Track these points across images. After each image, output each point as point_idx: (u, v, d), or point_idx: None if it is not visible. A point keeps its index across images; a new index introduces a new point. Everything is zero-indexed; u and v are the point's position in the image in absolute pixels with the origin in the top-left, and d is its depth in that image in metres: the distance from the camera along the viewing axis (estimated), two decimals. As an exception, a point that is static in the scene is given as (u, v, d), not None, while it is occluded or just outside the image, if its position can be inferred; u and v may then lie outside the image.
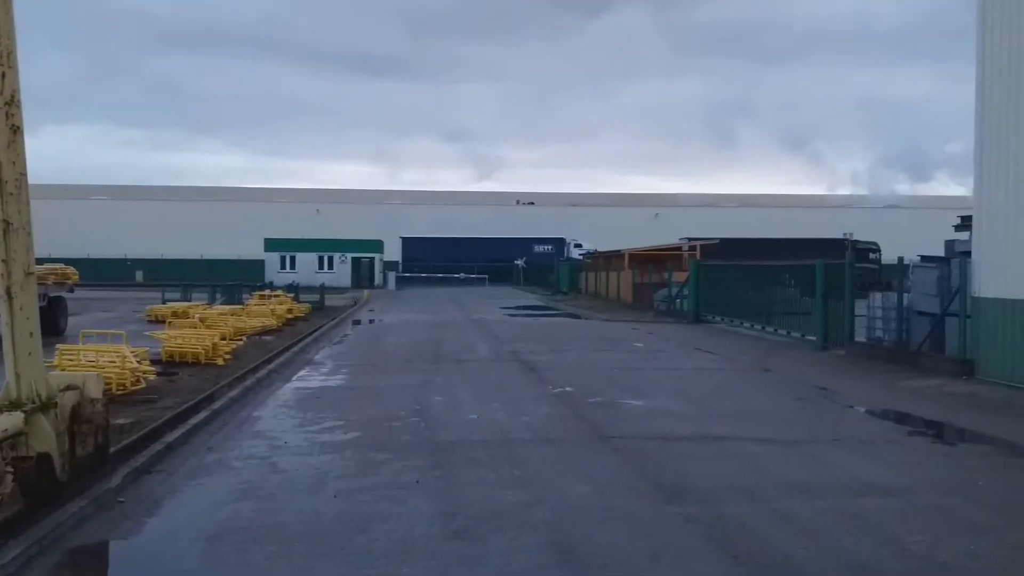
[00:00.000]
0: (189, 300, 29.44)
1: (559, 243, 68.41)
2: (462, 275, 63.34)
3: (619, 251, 42.19)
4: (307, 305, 29.18)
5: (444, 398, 11.51)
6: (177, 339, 14.98)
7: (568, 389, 12.36)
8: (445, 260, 65.11)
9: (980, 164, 13.56)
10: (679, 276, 30.25)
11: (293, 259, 58.51)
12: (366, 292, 44.16)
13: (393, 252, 65.13)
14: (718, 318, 25.44)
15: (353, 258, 59.61)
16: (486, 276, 62.22)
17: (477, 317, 28.81)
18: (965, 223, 15.50)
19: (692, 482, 7.15)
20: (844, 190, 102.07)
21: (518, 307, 35.83)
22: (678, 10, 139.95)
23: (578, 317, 30.10)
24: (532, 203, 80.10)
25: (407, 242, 67.56)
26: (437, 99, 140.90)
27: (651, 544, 5.59)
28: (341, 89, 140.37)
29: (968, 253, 14.21)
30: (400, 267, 64.74)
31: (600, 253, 48.78)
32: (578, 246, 64.37)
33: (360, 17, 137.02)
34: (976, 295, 13.38)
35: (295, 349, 17.67)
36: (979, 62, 13.53)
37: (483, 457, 8.02)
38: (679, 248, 39.56)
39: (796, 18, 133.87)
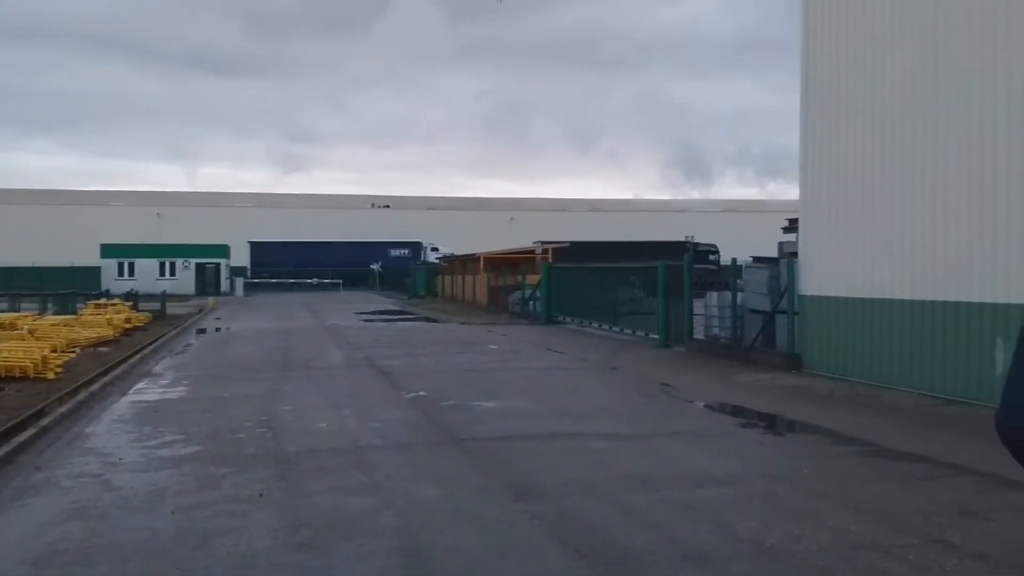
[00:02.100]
0: (18, 310, 27.45)
1: (416, 247, 68.14)
2: (315, 281, 62.01)
3: (475, 255, 42.51)
4: (147, 314, 27.82)
5: (292, 407, 11.26)
6: (3, 352, 13.97)
7: (422, 393, 12.34)
8: (297, 265, 63.58)
9: (805, 171, 14.49)
10: (532, 279, 30.81)
11: (132, 266, 55.56)
12: (211, 299, 42.52)
13: (241, 257, 62.97)
14: (569, 319, 26.05)
15: (197, 264, 57.22)
16: (340, 281, 61.16)
17: (330, 323, 28.31)
18: (792, 225, 16.53)
19: (539, 480, 7.29)
20: (685, 195, 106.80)
21: (373, 312, 35.46)
22: (524, 19, 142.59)
23: (434, 321, 30.10)
24: (388, 206, 79.44)
25: (256, 247, 65.52)
26: (284, 99, 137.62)
27: (498, 543, 5.67)
28: (181, 88, 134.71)
29: (795, 254, 15.17)
30: (248, 273, 62.67)
31: (457, 257, 48.98)
32: (435, 250, 64.34)
33: (198, 14, 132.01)
34: (802, 293, 14.29)
35: (133, 360, 16.81)
36: (803, 74, 14.47)
37: (331, 466, 7.90)
38: (532, 251, 40.29)
39: (634, 29, 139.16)
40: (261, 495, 6.91)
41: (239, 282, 56.65)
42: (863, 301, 12.71)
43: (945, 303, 10.97)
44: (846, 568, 5.14)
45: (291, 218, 71.11)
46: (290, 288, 59.82)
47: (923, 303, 11.36)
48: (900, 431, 9.40)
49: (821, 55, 13.97)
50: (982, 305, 10.23)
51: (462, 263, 44.38)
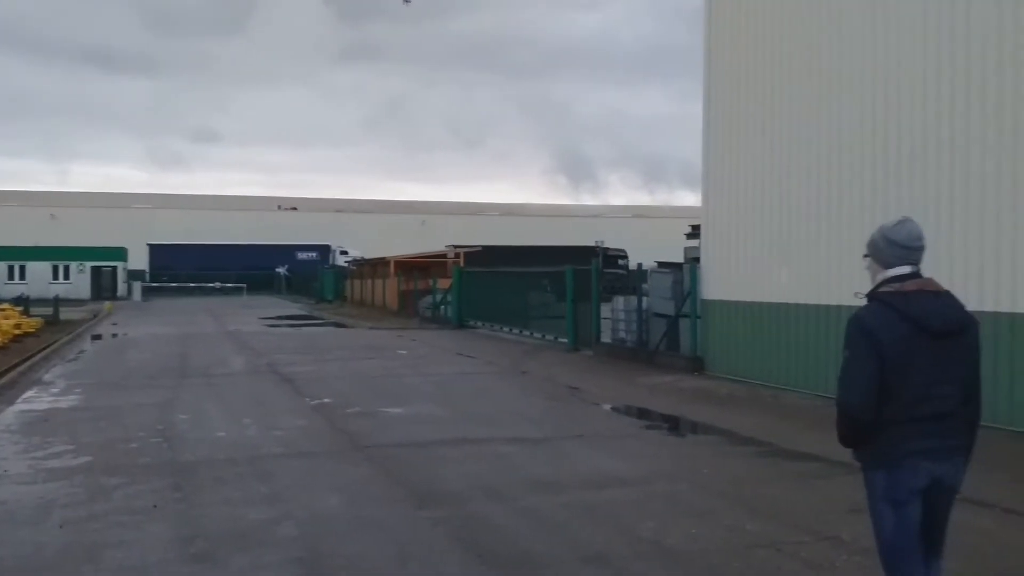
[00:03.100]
0: None
1: (324, 250, 67.04)
2: (218, 285, 60.38)
3: (385, 258, 42.10)
4: (39, 319, 26.55)
5: (190, 416, 10.91)
6: None
7: (326, 400, 12.14)
8: (199, 269, 61.74)
9: (707, 179, 14.87)
10: (444, 283, 30.70)
11: (23, 269, 53.08)
12: (107, 304, 40.98)
13: (139, 260, 60.84)
14: (480, 323, 26.06)
15: (93, 267, 55.08)
16: (244, 285, 59.69)
17: (233, 329, 27.60)
18: (696, 232, 16.94)
19: (444, 486, 7.26)
20: (596, 200, 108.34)
21: (279, 317, 34.74)
22: (433, 22, 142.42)
23: (342, 326, 29.66)
24: (295, 208, 77.96)
25: (155, 249, 63.41)
26: (186, 98, 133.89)
27: (399, 550, 5.60)
28: (76, 85, 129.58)
29: (699, 259, 15.54)
30: (147, 276, 60.59)
31: (367, 260, 48.42)
32: (344, 253, 63.43)
33: (95, 10, 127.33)
34: (704, 298, 14.64)
35: (22, 368, 16.05)
36: (705, 86, 14.85)
37: (229, 476, 7.69)
38: (444, 255, 40.15)
39: (544, 35, 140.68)
40: (155, 506, 6.67)
41: (137, 286, 54.66)
42: (762, 305, 13.10)
43: (840, 307, 11.38)
44: (740, 566, 5.26)
45: (193, 220, 69.04)
46: (191, 292, 58.10)
47: (818, 307, 11.77)
48: (796, 431, 9.69)
49: (722, 71, 14.35)
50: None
51: (372, 267, 43.89)
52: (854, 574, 5.01)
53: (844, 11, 11.54)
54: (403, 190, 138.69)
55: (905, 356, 3.34)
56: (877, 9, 10.95)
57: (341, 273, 52.42)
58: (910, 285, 3.47)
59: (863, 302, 3.53)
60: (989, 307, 9.01)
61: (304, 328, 29.12)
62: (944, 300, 3.48)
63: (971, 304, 4.02)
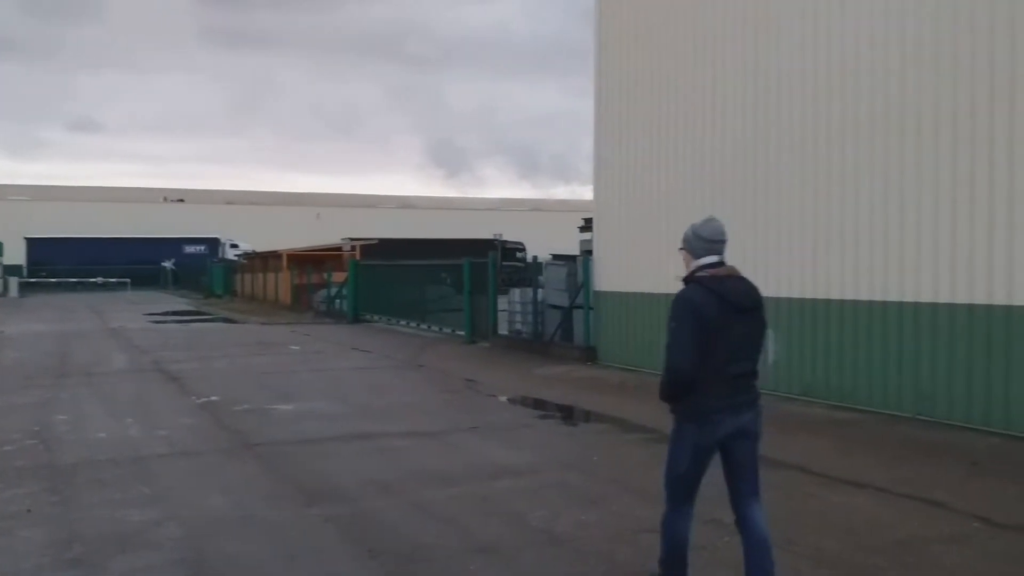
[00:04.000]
0: None
1: (213, 243, 65.04)
2: (100, 280, 57.79)
3: (277, 251, 41.16)
4: (-99, 318, 24.92)
5: (69, 417, 10.43)
6: None
7: (214, 398, 11.80)
8: (80, 263, 58.96)
9: (599, 174, 15.11)
10: (339, 276, 30.22)
11: None
12: (-18, 301, 38.70)
13: (16, 255, 57.68)
14: (377, 317, 25.81)
15: (-36, 263, 51.97)
16: (129, 280, 57.33)
17: (116, 326, 26.50)
18: (588, 224, 17.20)
19: (335, 482, 7.16)
20: (494, 193, 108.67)
21: (165, 313, 33.54)
22: (328, 10, 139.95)
23: (232, 321, 28.89)
24: (182, 200, 75.40)
25: (33, 243, 60.27)
26: (61, 85, 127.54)
27: (287, 548, 5.50)
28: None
29: (592, 252, 15.79)
30: (25, 272, 57.53)
31: (258, 254, 47.24)
32: (234, 246, 61.68)
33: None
34: (597, 289, 14.90)
35: None
36: (596, 81, 15.08)
37: (110, 477, 7.39)
38: (340, 248, 39.53)
39: (440, 26, 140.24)
40: (29, 511, 6.36)
41: (14, 282, 51.76)
42: (651, 296, 13.41)
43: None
44: (628, 551, 5.39)
45: (74, 213, 65.90)
46: (73, 288, 55.41)
47: (705, 297, 12.13)
48: (684, 418, 9.96)
49: (612, 66, 14.61)
50: (755, 298, 11.05)
51: (263, 260, 42.83)
52: (735, 553, 5.18)
53: (731, 9, 11.89)
54: (297, 182, 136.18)
55: (719, 327, 4.10)
56: (763, 9, 11.33)
57: (231, 267, 50.96)
58: (722, 271, 4.27)
59: (682, 285, 4.28)
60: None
61: (192, 324, 28.20)
62: (746, 283, 4.29)
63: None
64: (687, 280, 4.28)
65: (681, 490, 4.33)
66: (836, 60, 10.14)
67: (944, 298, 8.81)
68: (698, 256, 4.32)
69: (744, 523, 4.34)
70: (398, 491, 6.81)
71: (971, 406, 8.55)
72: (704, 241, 4.33)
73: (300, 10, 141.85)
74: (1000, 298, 8.28)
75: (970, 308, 8.55)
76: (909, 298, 9.19)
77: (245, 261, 49.07)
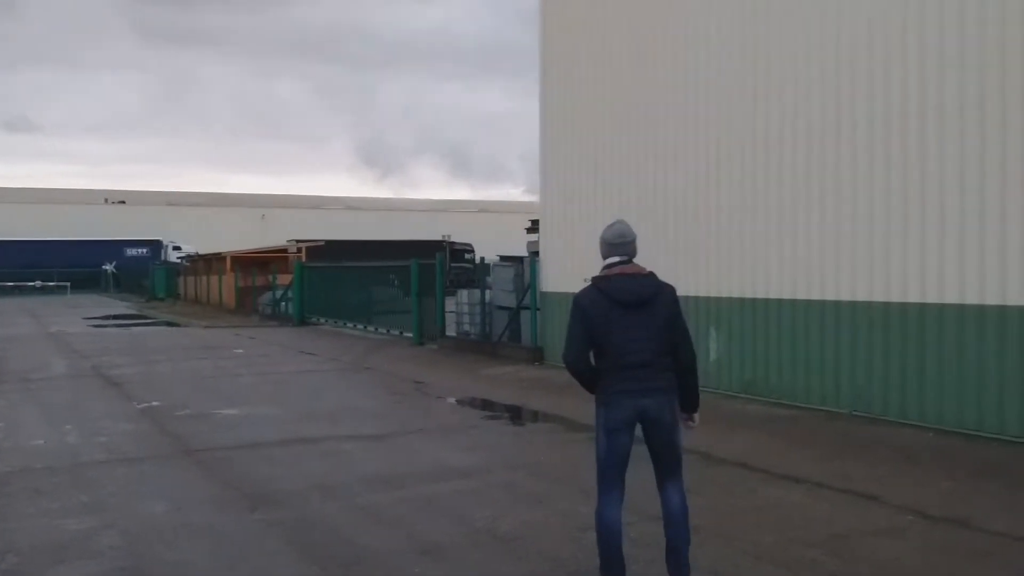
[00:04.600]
0: None
1: (156, 246, 63.81)
2: (38, 283, 56.30)
3: (221, 254, 40.56)
4: None
5: (5, 424, 10.16)
6: None
7: (155, 403, 11.60)
8: (16, 266, 57.32)
9: (545, 175, 15.19)
10: (285, 279, 29.90)
11: None
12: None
13: (-50, 259, 55.97)
14: (323, 320, 25.58)
15: None
16: (68, 284, 55.92)
17: (55, 330, 25.87)
18: (535, 226, 17.26)
19: (279, 487, 7.09)
20: (434, 194, 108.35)
21: (106, 317, 32.83)
22: (272, 11, 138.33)
23: (175, 325, 28.40)
24: (123, 202, 73.84)
25: (-32, 247, 58.52)
26: None
27: (228, 555, 5.44)
28: None
29: (538, 253, 15.86)
30: (-41, 276, 55.82)
31: (201, 256, 46.49)
32: (177, 249, 60.58)
33: None
34: (543, 290, 14.97)
35: None
36: (541, 84, 15.15)
37: (47, 486, 7.22)
38: (285, 250, 39.09)
39: (384, 27, 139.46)
40: (-41, 524, 6.18)
41: (-54, 286, 50.27)
42: (598, 296, 13.52)
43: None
44: (572, 548, 5.44)
45: (10, 215, 64.06)
46: (9, 292, 53.89)
47: (649, 297, 12.27)
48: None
49: (556, 68, 14.69)
50: (697, 299, 11.21)
51: (207, 263, 42.19)
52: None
53: (671, 12, 12.05)
54: (242, 183, 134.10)
55: (603, 322, 4.47)
56: (701, 14, 11.50)
57: (174, 270, 50.09)
58: (614, 271, 4.59)
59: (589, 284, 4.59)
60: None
61: (133, 328, 27.64)
62: (638, 280, 4.55)
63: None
64: (592, 280, 4.63)
65: (604, 473, 4.66)
66: (763, 71, 10.34)
67: (879, 297, 9.04)
68: (604, 258, 4.67)
69: (663, 502, 4.67)
70: (343, 495, 6.77)
71: (905, 402, 8.79)
72: (606, 244, 4.67)
73: (242, 9, 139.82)
74: (932, 297, 8.53)
75: (903, 307, 8.79)
76: (846, 297, 9.41)
77: (188, 264, 48.28)
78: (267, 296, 30.55)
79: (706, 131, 11.39)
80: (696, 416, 4.76)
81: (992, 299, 8.00)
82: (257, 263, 35.25)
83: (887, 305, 8.96)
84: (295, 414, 10.74)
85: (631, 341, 4.45)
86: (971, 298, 8.17)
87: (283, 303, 28.91)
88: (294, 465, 7.90)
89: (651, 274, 4.59)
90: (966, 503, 6.23)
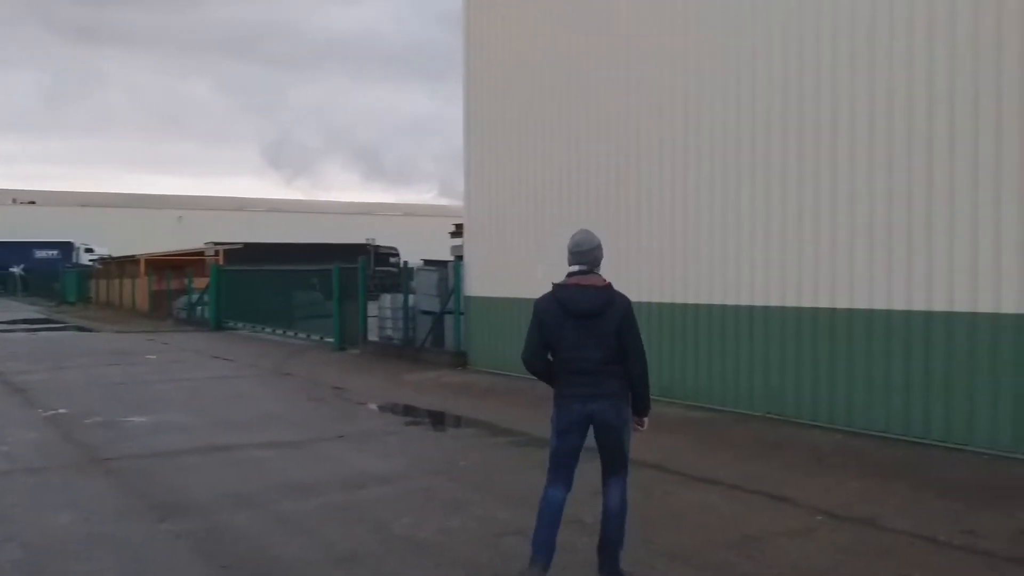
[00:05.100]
0: None
1: (67, 248, 61.53)
2: (-61, 287, 53.79)
3: (135, 256, 39.34)
4: None
5: None
6: None
7: (62, 411, 11.16)
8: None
9: (469, 179, 15.17)
10: (201, 282, 29.17)
11: None
12: None
13: None
14: (241, 324, 25.03)
15: None
16: (-27, 287, 53.59)
17: (-44, 334, 24.70)
18: (459, 229, 17.23)
19: (190, 496, 6.89)
20: (365, 197, 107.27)
21: (12, 321, 31.48)
22: (189, 8, 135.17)
23: (86, 330, 27.43)
24: (33, 202, 71.04)
25: None
26: None
27: (136, 567, 5.26)
28: None
29: (463, 257, 15.82)
30: None
31: (115, 259, 45.01)
32: (89, 251, 58.54)
33: None
34: (468, 294, 14.94)
35: None
36: (465, 87, 15.14)
37: (-60, 499, 6.87)
38: (202, 253, 38.16)
39: (308, 29, 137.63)
40: None
41: None
42: (520, 301, 13.53)
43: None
44: (490, 554, 5.42)
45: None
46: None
47: (571, 302, 12.36)
48: (548, 420, 10.09)
49: (480, 72, 14.70)
50: (618, 303, 11.33)
51: (120, 265, 40.83)
52: (593, 555, 5.30)
53: (593, 19, 12.18)
54: (158, 183, 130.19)
55: (556, 329, 4.75)
56: (624, 19, 11.65)
57: (86, 273, 48.34)
58: (571, 280, 4.80)
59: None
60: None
61: (41, 332, 26.60)
62: (591, 292, 4.75)
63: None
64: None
65: (553, 467, 4.90)
66: (680, 89, 10.54)
67: (791, 302, 9.29)
68: (569, 265, 4.87)
69: (604, 498, 4.92)
70: (257, 504, 6.61)
71: (817, 405, 9.04)
72: (568, 252, 4.88)
73: (159, 8, 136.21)
74: (842, 303, 8.80)
75: (814, 312, 9.05)
76: (759, 302, 9.64)
77: (101, 266, 46.66)
78: (183, 300, 29.78)
79: (626, 137, 11.54)
80: (645, 420, 4.98)
81: (899, 304, 8.29)
82: (172, 266, 34.27)
83: (799, 310, 9.21)
84: (209, 421, 10.47)
85: (581, 349, 4.70)
86: (879, 303, 8.46)
87: (199, 307, 28.19)
88: (207, 473, 7.70)
89: (607, 286, 4.77)
90: (873, 503, 6.44)
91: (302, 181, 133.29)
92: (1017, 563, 5.25)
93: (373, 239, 50.84)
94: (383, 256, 43.46)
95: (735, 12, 9.98)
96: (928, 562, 5.26)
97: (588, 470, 5.04)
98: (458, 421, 10.74)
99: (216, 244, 40.07)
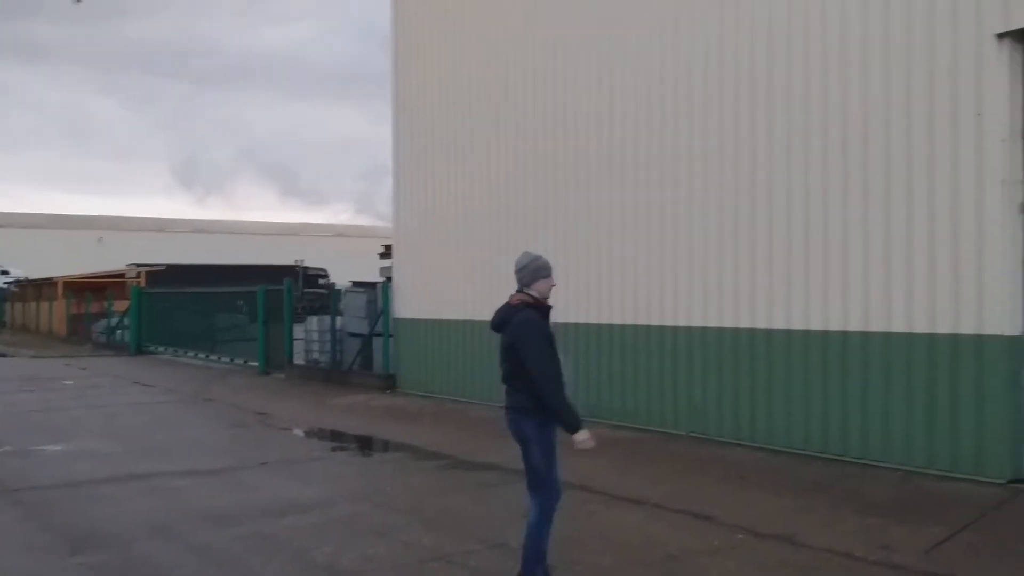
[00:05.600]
0: None
1: (-21, 271, 59.12)
2: None
3: (52, 279, 38.06)
4: None
5: None
6: None
7: (-31, 440, 10.68)
8: None
9: (398, 201, 15.11)
10: (122, 305, 28.36)
11: None
12: None
13: None
14: (163, 349, 24.41)
15: None
16: None
17: None
18: (389, 250, 17.12)
19: (105, 527, 6.66)
20: (297, 217, 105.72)
21: (-82, 347, 30.07)
22: (107, 24, 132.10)
23: (0, 355, 26.37)
24: (-59, 223, 68.12)
25: None
26: None
27: (42, 605, 5.05)
28: None
29: (392, 279, 15.71)
30: None
31: (31, 281, 43.47)
32: (4, 273, 56.33)
33: None
34: (397, 316, 14.84)
35: None
36: (394, 108, 15.11)
37: None
38: (123, 275, 37.09)
39: (229, 47, 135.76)
40: None
41: None
42: (451, 323, 13.52)
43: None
44: (413, 581, 5.35)
45: None
46: None
47: (500, 324, 12.37)
48: (479, 443, 10.07)
49: (409, 93, 14.70)
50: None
51: (37, 288, 39.49)
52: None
53: (519, 39, 12.30)
54: (77, 203, 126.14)
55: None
56: (551, 44, 11.79)
57: (0, 296, 46.55)
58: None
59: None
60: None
61: (-50, 359, 25.45)
62: (504, 308, 5.08)
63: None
64: None
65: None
66: (606, 118, 10.73)
67: (713, 323, 9.47)
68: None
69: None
70: (175, 534, 6.42)
71: (739, 423, 9.21)
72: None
73: (73, 21, 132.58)
74: (761, 323, 9.00)
75: (735, 332, 9.23)
76: (683, 322, 9.80)
77: (16, 289, 45.02)
78: (102, 324, 28.89)
79: (553, 159, 11.66)
80: (576, 437, 4.88)
81: (816, 325, 8.52)
82: (92, 289, 33.25)
83: (720, 331, 9.39)
84: (127, 449, 10.14)
85: (500, 363, 5.05)
86: (797, 324, 8.68)
87: (119, 331, 27.38)
88: (123, 504, 7.45)
89: (516, 303, 5.01)
90: (792, 520, 6.56)
91: (215, 200, 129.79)
92: (928, 576, 5.41)
93: (302, 260, 49.98)
94: (312, 277, 42.78)
95: (652, 52, 10.19)
96: (844, 577, 5.38)
97: (515, 491, 5.04)
98: (386, 445, 10.62)
99: (138, 266, 38.98)
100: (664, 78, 10.08)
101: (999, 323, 7.18)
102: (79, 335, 30.30)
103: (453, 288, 13.45)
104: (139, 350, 24.96)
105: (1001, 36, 7.15)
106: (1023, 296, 7.20)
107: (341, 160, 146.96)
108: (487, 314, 5.48)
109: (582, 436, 4.82)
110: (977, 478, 7.27)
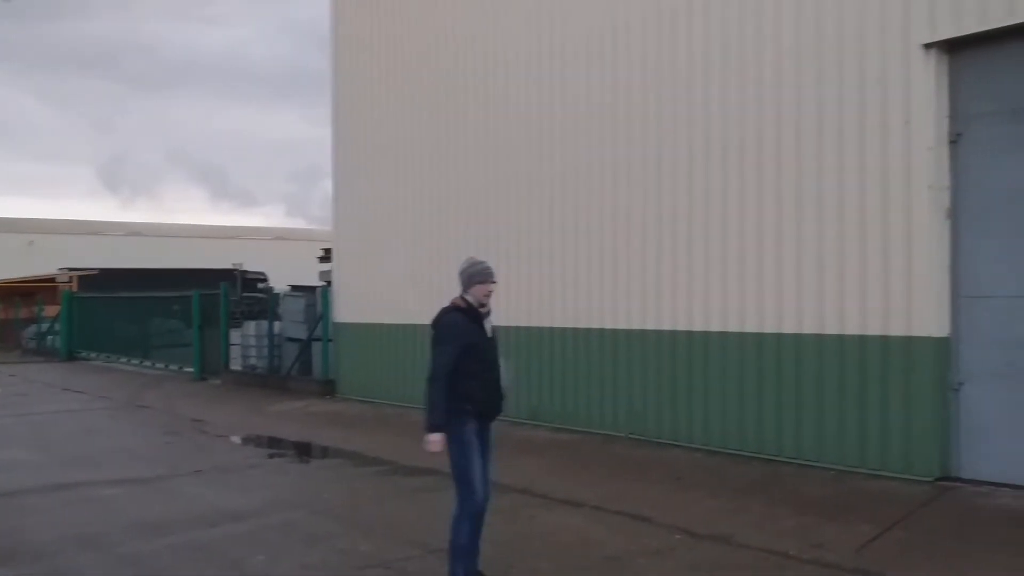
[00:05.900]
0: None
1: (-101, 274, 56.88)
2: None
3: (-22, 283, 36.78)
4: None
5: None
6: None
7: None
8: None
9: (338, 204, 14.95)
10: (53, 310, 27.55)
11: None
12: None
13: None
14: (95, 355, 23.78)
15: None
16: None
17: None
18: (328, 255, 16.93)
19: (30, 539, 6.44)
20: (228, 220, 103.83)
21: None
22: (40, 24, 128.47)
23: (-81, 362, 25.36)
24: None
25: None
26: None
27: (-40, 622, 4.85)
28: None
29: (331, 283, 15.53)
30: None
31: (-45, 286, 41.97)
32: (-74, 277, 54.33)
33: None
34: (336, 321, 14.66)
35: None
36: (333, 110, 14.94)
37: None
38: (54, 279, 36.02)
39: (166, 47, 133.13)
40: None
41: None
42: (391, 327, 13.40)
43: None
44: (350, 589, 5.27)
45: None
46: None
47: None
48: (418, 448, 9.81)
49: (349, 95, 14.56)
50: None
51: (-37, 293, 38.09)
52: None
53: (461, 45, 12.27)
54: (6, 206, 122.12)
55: None
56: (491, 46, 11.79)
57: (-78, 301, 44.82)
58: None
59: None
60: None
61: None
62: (440, 311, 5.23)
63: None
64: None
65: None
66: (548, 124, 10.77)
67: (651, 325, 9.55)
68: None
69: None
70: (103, 545, 6.23)
71: (676, 424, 9.30)
72: None
73: (9, 20, 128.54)
74: (699, 325, 9.11)
75: (672, 334, 9.33)
76: (621, 325, 9.87)
77: (-61, 294, 43.36)
78: (32, 329, 28.03)
79: (495, 162, 11.65)
80: (427, 435, 5.04)
81: (751, 327, 8.65)
82: (21, 293, 32.26)
83: (658, 333, 9.48)
84: (55, 458, 9.84)
85: None
86: (732, 326, 8.80)
87: (49, 337, 26.58)
88: (50, 514, 7.22)
89: (449, 306, 5.24)
90: (729, 520, 6.63)
91: (142, 202, 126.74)
92: (861, 574, 5.51)
93: (240, 264, 49.19)
94: (251, 282, 42.12)
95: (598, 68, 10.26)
96: (778, 576, 5.45)
97: (450, 496, 5.00)
98: (324, 452, 10.47)
99: (70, 270, 37.90)
100: (602, 87, 10.15)
101: (927, 325, 7.37)
102: (8, 341, 29.37)
103: (394, 292, 13.34)
104: (71, 356, 24.28)
105: (928, 46, 7.36)
106: (950, 299, 7.41)
107: (276, 162, 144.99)
108: (429, 319, 5.46)
109: (433, 437, 5.01)
110: (906, 476, 7.45)
